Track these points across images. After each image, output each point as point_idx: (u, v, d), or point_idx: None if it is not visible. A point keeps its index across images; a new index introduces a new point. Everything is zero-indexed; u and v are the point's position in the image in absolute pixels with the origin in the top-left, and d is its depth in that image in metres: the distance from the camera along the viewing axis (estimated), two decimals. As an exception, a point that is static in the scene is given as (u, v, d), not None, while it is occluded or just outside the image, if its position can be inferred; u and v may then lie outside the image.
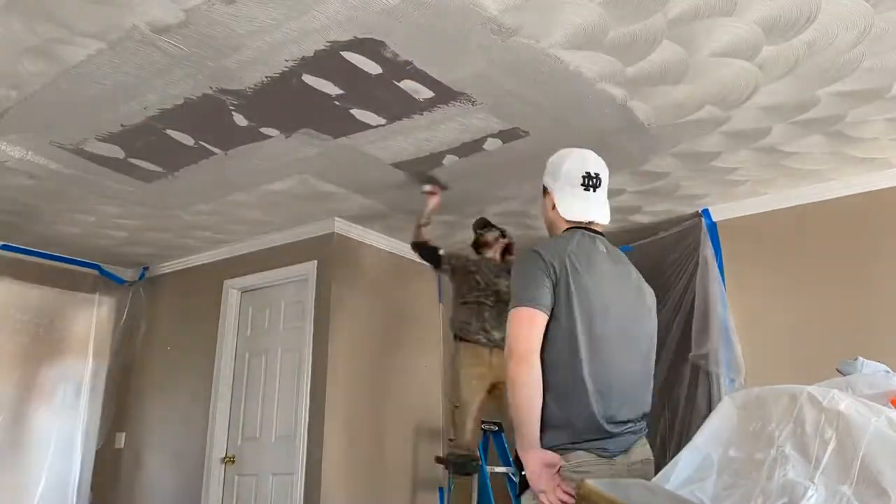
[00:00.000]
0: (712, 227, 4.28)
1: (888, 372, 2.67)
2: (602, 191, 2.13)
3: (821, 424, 1.61)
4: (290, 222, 4.65)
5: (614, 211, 4.30)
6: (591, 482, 1.60)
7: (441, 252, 3.86)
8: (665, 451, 3.93)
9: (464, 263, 3.82)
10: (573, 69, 2.71)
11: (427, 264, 3.96)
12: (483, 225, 4.02)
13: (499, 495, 4.21)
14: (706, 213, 4.30)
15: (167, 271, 5.68)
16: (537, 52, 2.58)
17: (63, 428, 5.29)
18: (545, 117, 3.14)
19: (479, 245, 3.97)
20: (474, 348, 3.62)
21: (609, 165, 3.77)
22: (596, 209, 2.10)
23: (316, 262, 4.62)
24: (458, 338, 3.71)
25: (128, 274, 5.82)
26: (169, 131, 3.27)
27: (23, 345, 5.12)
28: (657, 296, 4.52)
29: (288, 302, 4.78)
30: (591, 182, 2.09)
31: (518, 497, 1.97)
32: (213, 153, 3.53)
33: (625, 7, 2.31)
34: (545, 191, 2.20)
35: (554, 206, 2.12)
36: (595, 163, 2.14)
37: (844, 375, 2.69)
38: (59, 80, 2.78)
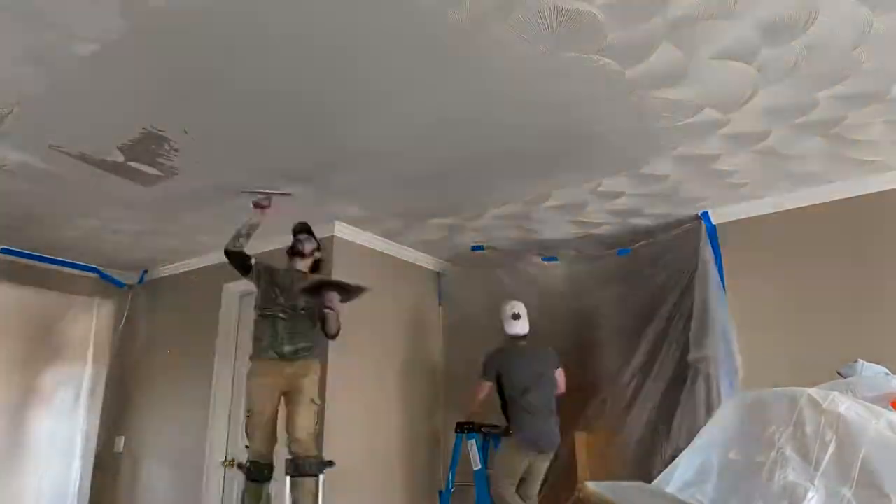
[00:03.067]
0: (712, 229, 4.28)
1: (888, 374, 2.67)
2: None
3: (821, 427, 1.61)
4: (290, 225, 4.64)
5: (614, 213, 4.36)
6: (591, 485, 1.59)
7: (252, 261, 3.79)
8: (664, 455, 3.93)
9: (270, 273, 3.79)
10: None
11: (236, 270, 3.85)
12: (301, 230, 3.95)
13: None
14: (706, 215, 4.30)
15: (167, 274, 5.68)
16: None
17: (62, 432, 5.29)
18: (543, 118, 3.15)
19: (293, 252, 3.90)
20: (265, 363, 3.62)
21: (609, 167, 3.80)
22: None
23: (316, 265, 4.62)
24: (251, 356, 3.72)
25: (127, 277, 5.82)
26: (169, 134, 3.27)
27: (22, 348, 5.12)
28: (655, 299, 4.55)
29: (288, 305, 4.77)
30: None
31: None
32: (213, 155, 3.53)
33: (625, 10, 2.32)
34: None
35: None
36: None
37: (845, 378, 2.69)
38: (59, 83, 2.78)
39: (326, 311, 3.57)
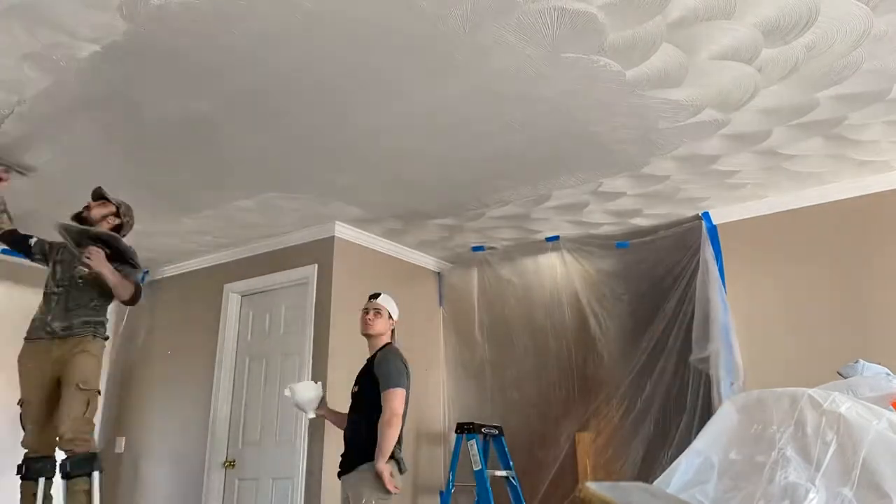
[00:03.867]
0: (713, 230, 4.27)
1: (889, 374, 2.67)
2: None
3: (822, 427, 1.61)
4: (290, 226, 4.65)
5: (614, 214, 4.36)
6: (591, 485, 1.60)
7: (32, 240, 3.47)
8: (665, 455, 3.93)
9: (56, 250, 3.43)
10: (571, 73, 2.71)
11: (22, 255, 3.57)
12: (97, 197, 3.46)
13: (500, 499, 4.21)
14: (706, 216, 4.30)
15: (168, 275, 5.67)
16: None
17: (63, 432, 5.28)
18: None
19: (80, 222, 3.42)
20: (35, 344, 3.27)
21: (609, 168, 3.79)
22: None
23: (316, 265, 4.62)
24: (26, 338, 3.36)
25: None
26: (171, 135, 3.28)
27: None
28: (656, 300, 4.50)
29: (288, 306, 4.78)
30: None
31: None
32: (215, 157, 3.53)
33: (625, 10, 2.32)
34: (390, 316, 3.25)
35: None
36: None
37: (845, 378, 2.69)
38: (59, 83, 2.78)
39: (83, 265, 3.20)
